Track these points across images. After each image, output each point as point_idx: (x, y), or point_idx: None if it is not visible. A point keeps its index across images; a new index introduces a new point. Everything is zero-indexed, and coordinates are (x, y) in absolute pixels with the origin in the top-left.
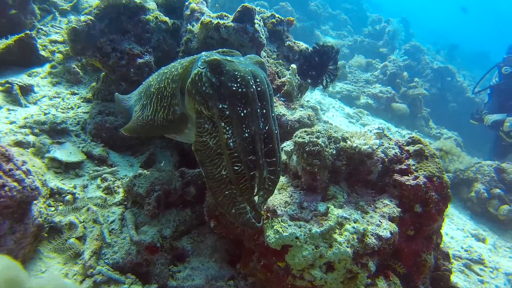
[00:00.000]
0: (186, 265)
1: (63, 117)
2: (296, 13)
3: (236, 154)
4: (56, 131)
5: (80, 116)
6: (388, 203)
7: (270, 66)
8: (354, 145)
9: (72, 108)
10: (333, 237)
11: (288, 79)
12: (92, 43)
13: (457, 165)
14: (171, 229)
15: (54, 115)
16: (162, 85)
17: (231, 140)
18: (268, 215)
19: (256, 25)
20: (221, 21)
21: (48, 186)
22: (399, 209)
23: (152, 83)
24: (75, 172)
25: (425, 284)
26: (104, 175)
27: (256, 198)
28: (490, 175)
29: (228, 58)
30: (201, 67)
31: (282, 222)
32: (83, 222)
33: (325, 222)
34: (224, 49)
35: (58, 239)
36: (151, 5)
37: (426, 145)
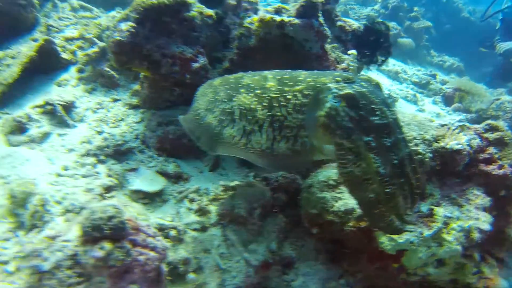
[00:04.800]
0: (296, 271)
1: (120, 133)
2: None
3: (387, 179)
4: (121, 153)
5: (134, 128)
6: (478, 194)
7: (329, 53)
8: (449, 146)
9: (122, 119)
10: (442, 237)
11: (350, 67)
12: (138, 52)
13: (479, 105)
14: (276, 240)
15: (110, 134)
16: (279, 113)
17: (381, 168)
18: None
19: (320, 18)
20: (286, 19)
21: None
22: (489, 198)
23: (253, 106)
24: (161, 198)
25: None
26: (190, 195)
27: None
28: None
29: (356, 87)
30: (334, 101)
31: None
32: (193, 253)
33: (433, 224)
34: (344, 74)
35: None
36: None
37: (504, 131)
